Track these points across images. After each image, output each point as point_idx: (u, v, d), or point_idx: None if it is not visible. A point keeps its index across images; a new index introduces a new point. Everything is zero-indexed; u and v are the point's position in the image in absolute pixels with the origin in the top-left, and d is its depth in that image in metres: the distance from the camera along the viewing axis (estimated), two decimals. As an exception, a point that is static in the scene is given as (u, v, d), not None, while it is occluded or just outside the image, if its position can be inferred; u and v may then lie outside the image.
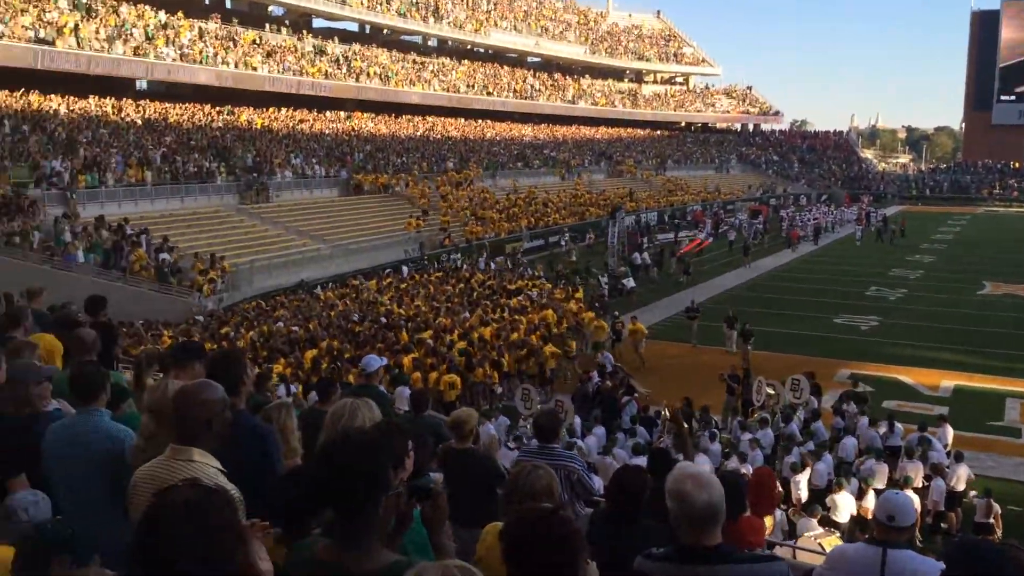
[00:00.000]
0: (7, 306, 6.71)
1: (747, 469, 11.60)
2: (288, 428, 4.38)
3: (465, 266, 35.23)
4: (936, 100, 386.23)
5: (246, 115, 48.15)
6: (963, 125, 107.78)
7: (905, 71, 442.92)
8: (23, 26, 35.07)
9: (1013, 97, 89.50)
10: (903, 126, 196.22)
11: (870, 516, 11.58)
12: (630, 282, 32.26)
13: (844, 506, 11.47)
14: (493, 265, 35.52)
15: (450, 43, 69.10)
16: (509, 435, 13.75)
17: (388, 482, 2.54)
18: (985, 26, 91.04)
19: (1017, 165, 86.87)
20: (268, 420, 4.28)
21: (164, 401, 3.53)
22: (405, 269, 34.35)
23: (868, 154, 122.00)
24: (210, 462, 3.07)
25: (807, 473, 12.51)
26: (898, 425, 14.93)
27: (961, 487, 12.90)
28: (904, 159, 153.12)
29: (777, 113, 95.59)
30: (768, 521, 8.61)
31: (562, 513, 2.46)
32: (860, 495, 12.08)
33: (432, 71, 63.21)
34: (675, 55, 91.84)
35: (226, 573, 1.93)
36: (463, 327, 21.29)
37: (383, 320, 22.13)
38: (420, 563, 2.18)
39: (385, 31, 62.36)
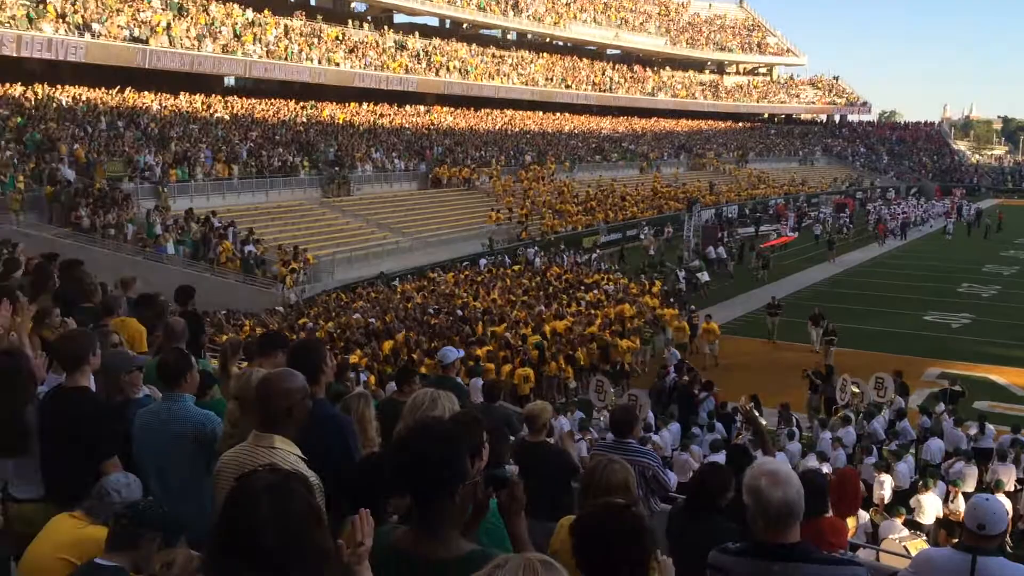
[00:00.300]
0: (103, 295, 7.00)
1: (827, 468, 11.35)
2: (366, 418, 4.46)
3: (541, 260, 35.24)
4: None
5: (329, 110, 49.10)
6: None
7: (1001, 59, 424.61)
8: (119, 25, 36.47)
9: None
10: (999, 116, 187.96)
11: (957, 519, 11.29)
12: (704, 276, 31.81)
13: (930, 507, 11.10)
14: (565, 259, 35.45)
15: (529, 36, 69.10)
16: (583, 429, 13.72)
17: (465, 471, 2.56)
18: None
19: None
20: (347, 410, 4.37)
21: (249, 389, 3.63)
22: (483, 262, 34.58)
23: (961, 146, 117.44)
24: (291, 449, 3.14)
25: (890, 474, 12.14)
26: (989, 427, 14.38)
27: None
28: (999, 151, 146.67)
29: (865, 104, 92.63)
30: (851, 522, 8.39)
31: (634, 510, 2.46)
32: (947, 498, 11.66)
33: (511, 64, 63.34)
34: (758, 45, 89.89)
35: (302, 553, 1.97)
36: (537, 320, 21.35)
37: (459, 313, 22.33)
38: (500, 555, 2.19)
39: (465, 25, 62.72)
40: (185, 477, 3.85)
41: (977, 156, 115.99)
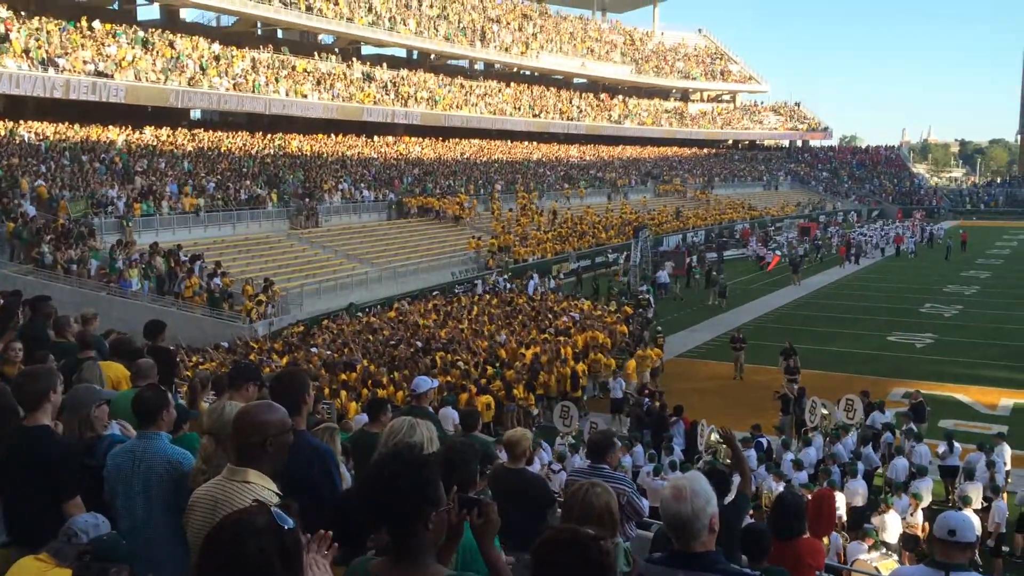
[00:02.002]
0: (77, 330, 6.93)
1: (780, 487, 11.62)
2: (334, 451, 4.42)
3: (511, 287, 35.32)
4: (990, 113, 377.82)
5: (296, 142, 49.07)
6: (1019, 137, 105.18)
7: (957, 84, 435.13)
8: (83, 60, 36.27)
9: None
10: (956, 140, 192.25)
11: (915, 532, 11.65)
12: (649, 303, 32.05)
13: (892, 526, 11.29)
14: (532, 287, 35.66)
15: (496, 66, 69.72)
16: (561, 458, 13.81)
17: (439, 497, 2.53)
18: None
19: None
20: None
21: (222, 423, 3.60)
22: (458, 289, 34.63)
23: (920, 169, 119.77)
24: (266, 484, 3.09)
25: (844, 494, 12.39)
26: (956, 445, 14.58)
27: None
28: (957, 173, 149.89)
29: (826, 129, 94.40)
30: (824, 542, 8.45)
31: (602, 543, 2.41)
32: (907, 512, 11.99)
33: (479, 94, 63.80)
34: (721, 73, 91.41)
35: None
36: (499, 349, 21.50)
37: (418, 344, 22.34)
38: None
39: (432, 56, 63.18)
40: (157, 515, 3.79)
41: (936, 179, 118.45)
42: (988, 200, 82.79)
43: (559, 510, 4.75)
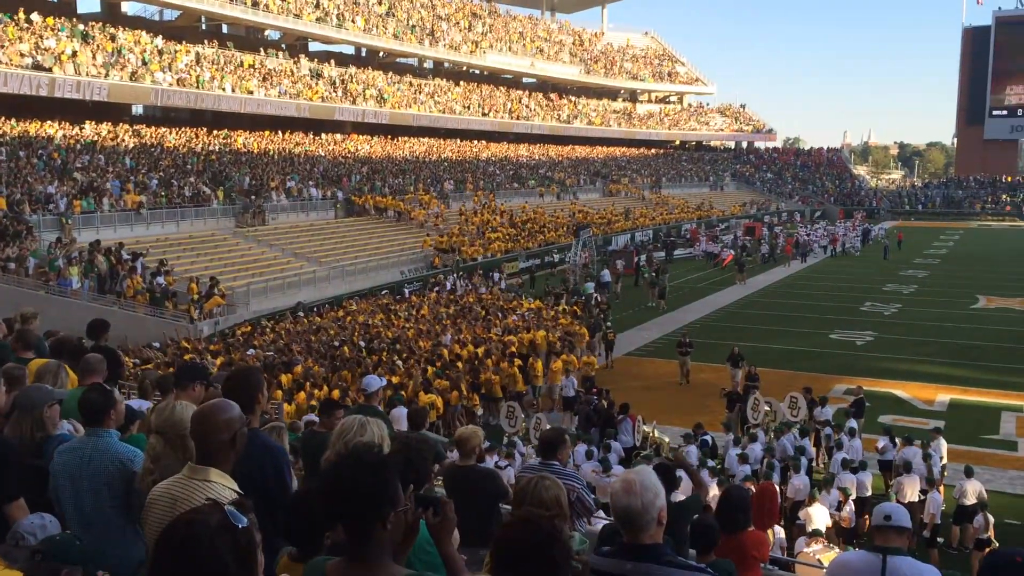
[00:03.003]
0: (16, 329, 6.76)
1: (714, 483, 12.01)
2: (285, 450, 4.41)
3: (458, 286, 35.33)
4: (928, 116, 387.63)
5: (242, 139, 48.35)
6: (955, 140, 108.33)
7: (897, 88, 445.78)
8: (21, 53, 35.28)
9: (1005, 112, 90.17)
10: (895, 142, 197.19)
11: (846, 524, 12.15)
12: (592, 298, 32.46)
13: (817, 518, 11.70)
14: (482, 285, 35.78)
15: (446, 65, 69.54)
16: (508, 455, 13.86)
17: (397, 497, 2.52)
18: (976, 42, 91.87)
19: (1009, 179, 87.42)
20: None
21: (172, 422, 3.57)
22: (407, 291, 34.50)
23: (861, 170, 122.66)
24: (227, 483, 3.09)
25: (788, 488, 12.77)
26: (896, 439, 15.00)
27: (969, 501, 12.92)
28: (896, 175, 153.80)
29: (771, 131, 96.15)
30: (769, 535, 8.65)
31: (555, 521, 2.48)
32: (840, 507, 12.49)
33: (428, 93, 63.60)
34: (669, 74, 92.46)
35: None
36: (443, 349, 21.51)
37: (362, 344, 22.19)
38: None
39: (381, 54, 62.78)
40: (108, 514, 3.74)
41: (876, 180, 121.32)
42: (926, 201, 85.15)
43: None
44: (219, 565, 1.95)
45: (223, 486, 3.05)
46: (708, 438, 15.46)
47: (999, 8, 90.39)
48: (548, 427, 12.25)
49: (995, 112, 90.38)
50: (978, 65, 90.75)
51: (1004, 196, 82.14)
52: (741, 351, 21.72)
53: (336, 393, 17.06)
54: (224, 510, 2.06)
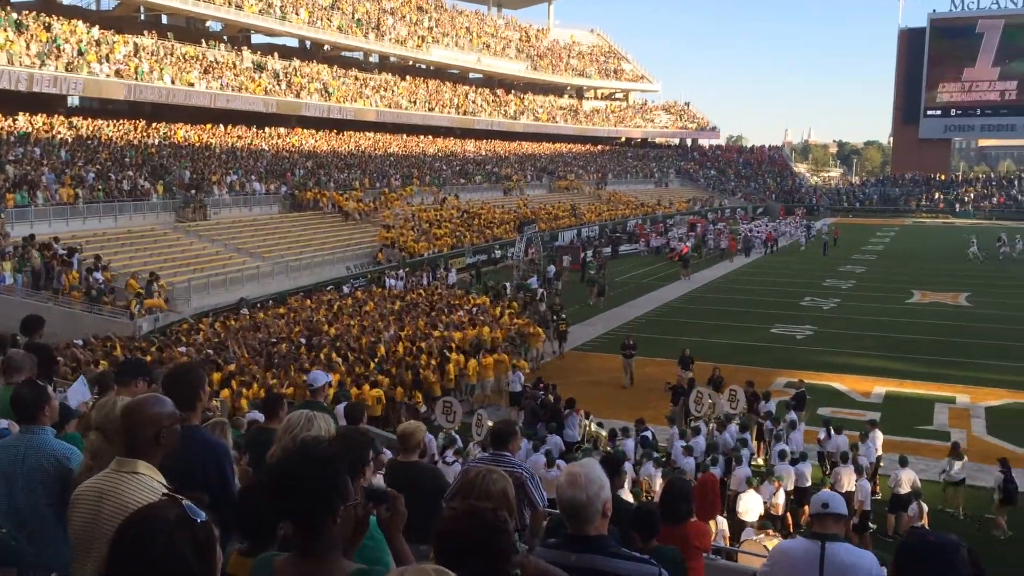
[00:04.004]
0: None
1: (658, 475, 12.54)
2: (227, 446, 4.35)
3: (401, 283, 35.16)
4: (866, 115, 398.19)
5: (183, 132, 47.37)
6: (891, 139, 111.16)
7: (836, 88, 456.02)
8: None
9: (939, 112, 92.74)
10: (834, 141, 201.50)
11: (776, 512, 12.57)
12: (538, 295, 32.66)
13: (752, 507, 11.98)
14: (426, 281, 35.71)
15: (392, 59, 69.06)
16: (455, 450, 13.88)
17: (346, 491, 2.50)
18: (912, 43, 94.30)
19: (943, 177, 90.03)
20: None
21: (112, 418, 3.50)
22: (346, 288, 34.16)
23: (801, 168, 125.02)
24: (155, 476, 3.03)
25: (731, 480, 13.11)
26: (833, 431, 15.38)
27: (904, 490, 13.31)
28: (835, 173, 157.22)
29: (714, 128, 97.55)
30: (711, 525, 8.79)
31: (498, 512, 2.49)
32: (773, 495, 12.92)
33: (373, 87, 63.07)
34: (615, 71, 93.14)
35: None
36: (379, 347, 21.38)
37: (302, 341, 21.97)
38: (385, 572, 2.15)
39: (326, 47, 62.04)
40: (43, 513, 3.65)
41: (815, 178, 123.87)
42: (863, 199, 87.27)
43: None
44: (178, 561, 1.89)
45: (151, 478, 2.99)
46: (648, 433, 15.63)
47: (933, 10, 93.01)
48: (495, 421, 12.30)
49: (929, 112, 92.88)
50: (913, 66, 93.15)
51: (938, 194, 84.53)
52: (691, 353, 21.71)
53: (263, 392, 16.77)
54: (182, 504, 2.01)
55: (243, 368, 18.91)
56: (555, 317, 26.96)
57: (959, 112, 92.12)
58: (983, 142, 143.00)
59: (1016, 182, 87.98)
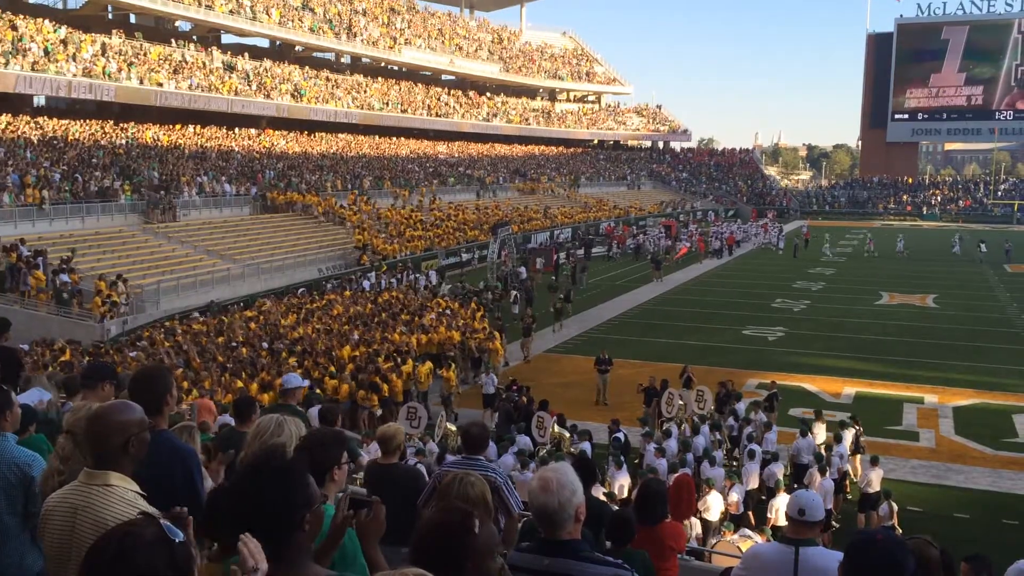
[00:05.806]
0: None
1: (624, 476, 12.66)
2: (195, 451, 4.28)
3: (382, 284, 34.98)
4: (834, 119, 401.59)
5: (152, 132, 46.82)
6: (860, 143, 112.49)
7: (806, 92, 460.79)
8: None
9: (906, 116, 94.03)
10: (804, 144, 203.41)
11: (733, 509, 12.74)
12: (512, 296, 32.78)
13: (713, 505, 12.18)
14: (395, 283, 35.56)
15: (364, 60, 68.75)
16: (419, 453, 13.88)
17: (310, 497, 2.44)
18: (880, 48, 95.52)
19: (910, 180, 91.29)
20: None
21: (82, 423, 3.41)
22: (301, 290, 33.74)
23: (772, 171, 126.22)
24: (129, 486, 2.93)
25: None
26: (808, 432, 15.48)
27: (874, 490, 13.42)
28: (805, 176, 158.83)
29: (686, 131, 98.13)
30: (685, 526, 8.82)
31: (474, 513, 2.47)
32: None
33: (345, 88, 62.75)
34: (587, 74, 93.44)
35: None
36: (340, 350, 21.28)
37: (264, 345, 21.79)
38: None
39: (297, 48, 61.64)
40: (4, 521, 3.54)
41: (786, 181, 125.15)
42: (832, 201, 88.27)
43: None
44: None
45: (125, 489, 2.90)
46: (620, 435, 15.62)
47: (901, 15, 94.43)
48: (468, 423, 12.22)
49: (897, 116, 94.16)
50: (881, 70, 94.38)
51: (905, 197, 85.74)
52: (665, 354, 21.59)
53: (227, 397, 16.43)
54: (159, 523, 1.97)
55: (198, 373, 18.63)
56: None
57: (926, 116, 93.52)
58: (949, 146, 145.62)
59: (981, 185, 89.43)
